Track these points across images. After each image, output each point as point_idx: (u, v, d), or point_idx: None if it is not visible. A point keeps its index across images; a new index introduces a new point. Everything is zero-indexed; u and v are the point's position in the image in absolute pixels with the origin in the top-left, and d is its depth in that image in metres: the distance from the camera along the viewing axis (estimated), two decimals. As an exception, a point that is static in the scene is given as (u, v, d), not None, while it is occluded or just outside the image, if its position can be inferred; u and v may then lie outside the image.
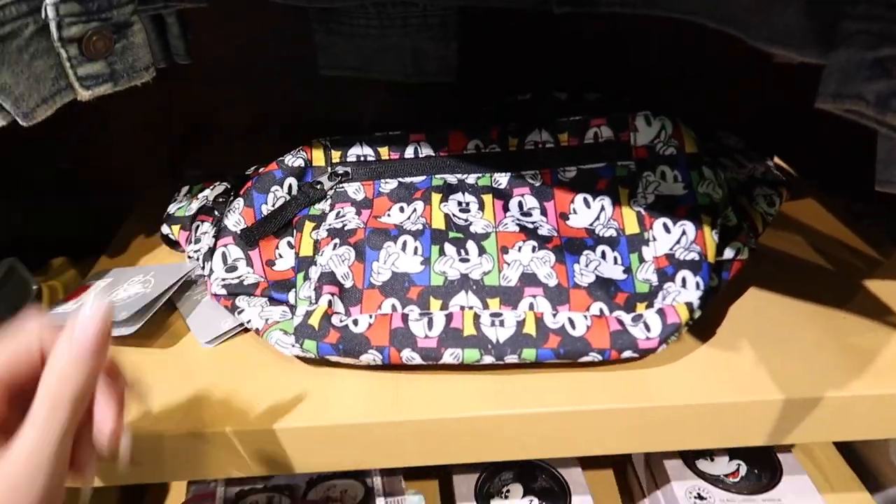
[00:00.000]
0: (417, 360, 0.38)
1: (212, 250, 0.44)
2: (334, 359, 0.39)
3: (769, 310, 0.44)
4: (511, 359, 0.38)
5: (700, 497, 0.46)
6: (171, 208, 0.50)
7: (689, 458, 0.49)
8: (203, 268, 0.45)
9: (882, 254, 0.49)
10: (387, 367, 0.40)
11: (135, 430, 0.37)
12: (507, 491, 0.50)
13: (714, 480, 0.47)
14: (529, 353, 0.38)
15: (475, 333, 0.38)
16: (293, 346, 0.39)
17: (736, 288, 0.45)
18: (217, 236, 0.44)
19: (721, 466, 0.48)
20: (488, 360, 0.38)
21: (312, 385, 0.39)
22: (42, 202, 0.66)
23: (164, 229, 0.49)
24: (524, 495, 0.50)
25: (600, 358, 0.38)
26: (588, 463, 0.54)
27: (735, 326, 0.43)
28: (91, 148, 0.64)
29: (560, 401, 0.38)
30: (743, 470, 0.48)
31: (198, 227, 0.47)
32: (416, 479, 0.56)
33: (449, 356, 0.38)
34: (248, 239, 0.44)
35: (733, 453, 0.49)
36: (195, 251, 0.46)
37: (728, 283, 0.42)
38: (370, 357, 0.38)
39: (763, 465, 0.48)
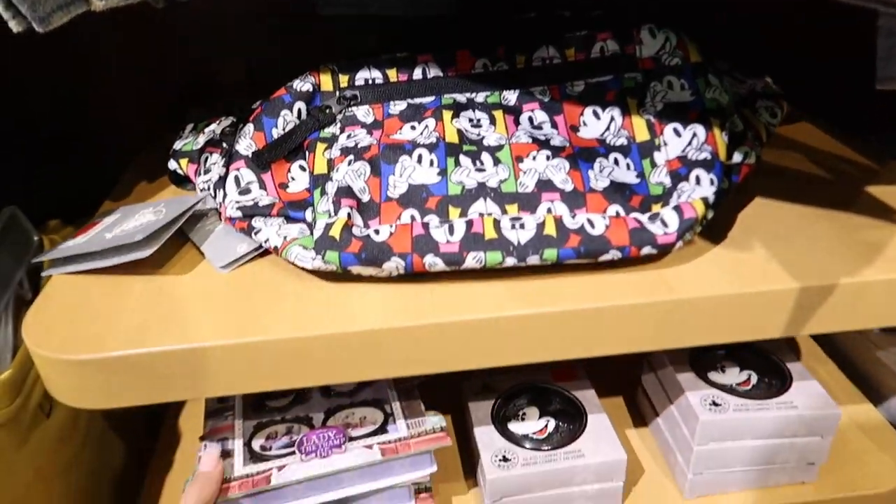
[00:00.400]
0: (440, 265, 0.38)
1: (223, 177, 0.44)
2: (356, 270, 0.39)
3: (777, 214, 0.45)
4: (533, 260, 0.38)
5: (715, 404, 0.47)
6: (177, 144, 0.50)
7: (701, 370, 0.50)
8: (214, 196, 0.45)
9: (879, 164, 0.51)
10: (409, 277, 0.40)
11: (159, 348, 0.37)
12: (524, 414, 0.51)
13: (727, 389, 0.48)
14: (551, 254, 0.38)
15: (496, 237, 0.39)
16: (314, 259, 0.39)
17: (743, 197, 0.46)
18: (228, 163, 0.44)
19: (732, 377, 0.49)
20: (510, 262, 0.38)
21: (334, 297, 0.39)
22: (34, 167, 0.65)
23: (171, 164, 0.49)
24: (540, 417, 0.50)
25: (620, 255, 0.39)
26: (598, 391, 0.54)
27: (746, 229, 0.44)
28: (84, 112, 0.63)
29: (582, 299, 0.38)
30: (754, 379, 0.49)
31: (206, 158, 0.47)
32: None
33: (472, 260, 0.38)
34: (260, 161, 0.43)
35: (743, 364, 0.50)
36: (205, 181, 0.46)
37: (735, 191, 0.44)
38: (393, 265, 0.38)
39: (773, 374, 0.49)
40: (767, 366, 0.50)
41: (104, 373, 0.37)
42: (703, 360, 0.51)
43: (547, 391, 0.52)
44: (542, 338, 0.39)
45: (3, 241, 0.49)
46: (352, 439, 0.46)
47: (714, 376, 0.49)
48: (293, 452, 0.46)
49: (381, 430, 0.47)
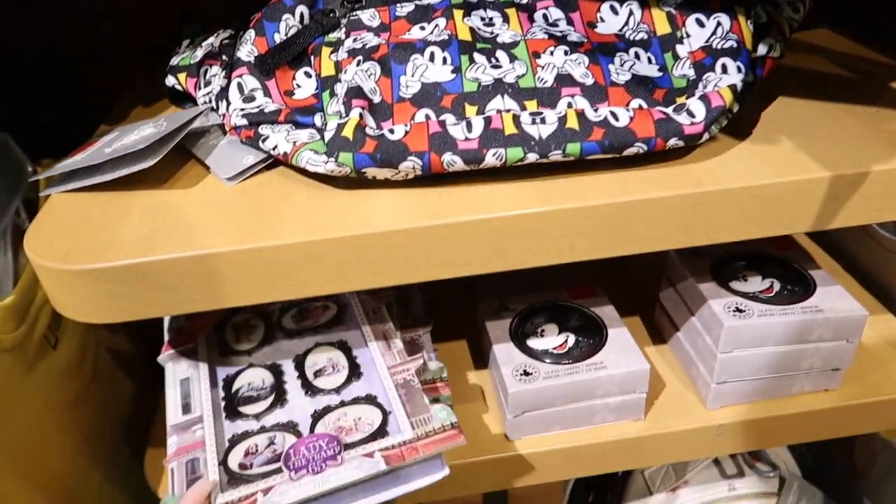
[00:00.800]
0: (459, 164, 0.37)
1: (225, 88, 0.42)
2: (371, 172, 0.37)
3: (802, 111, 0.43)
4: (555, 155, 0.37)
5: (738, 310, 0.45)
6: (174, 60, 0.47)
7: (723, 281, 0.48)
8: (217, 109, 0.43)
9: (903, 63, 0.49)
10: (425, 180, 0.38)
11: (168, 255, 0.35)
12: (542, 331, 0.50)
13: (750, 297, 0.47)
14: (574, 148, 0.37)
15: (517, 132, 0.37)
16: (326, 163, 0.37)
17: (766, 97, 0.45)
18: (230, 72, 0.42)
19: (754, 285, 0.48)
20: (532, 157, 0.37)
21: (349, 202, 0.38)
22: (31, 154, 0.63)
23: (170, 80, 0.47)
24: (559, 333, 0.49)
25: (645, 148, 0.37)
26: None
27: (771, 124, 0.42)
28: (82, 99, 0.61)
29: (607, 194, 0.37)
30: (776, 286, 0.48)
31: (206, 70, 0.45)
32: (443, 341, 0.56)
33: (492, 157, 0.37)
34: (263, 67, 0.41)
35: (765, 273, 0.49)
36: (207, 94, 0.44)
37: (759, 90, 0.42)
38: (410, 165, 0.37)
39: (796, 281, 0.48)
40: (789, 274, 0.49)
41: (111, 283, 0.36)
42: (724, 272, 0.49)
43: (565, 308, 0.51)
44: (568, 235, 0.37)
45: (-4, 171, 0.47)
46: (347, 447, 0.40)
47: (736, 285, 0.48)
48: (279, 469, 0.40)
49: (381, 432, 0.41)
